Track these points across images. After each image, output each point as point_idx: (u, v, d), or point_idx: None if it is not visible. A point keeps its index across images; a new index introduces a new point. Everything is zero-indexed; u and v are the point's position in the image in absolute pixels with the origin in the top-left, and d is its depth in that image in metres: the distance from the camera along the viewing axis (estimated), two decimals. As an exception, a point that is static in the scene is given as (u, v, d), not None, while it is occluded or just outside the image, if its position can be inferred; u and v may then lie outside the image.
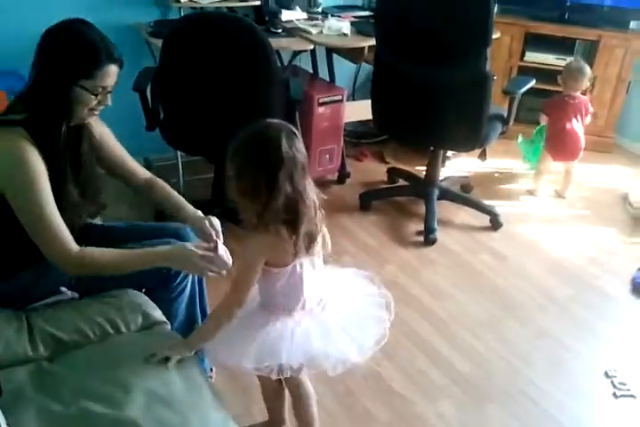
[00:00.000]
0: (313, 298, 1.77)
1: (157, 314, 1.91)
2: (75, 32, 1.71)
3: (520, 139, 4.01)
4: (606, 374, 2.52)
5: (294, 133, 1.61)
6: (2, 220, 1.77)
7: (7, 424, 1.40)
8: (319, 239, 1.71)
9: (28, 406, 1.49)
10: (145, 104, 3.01)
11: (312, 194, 1.63)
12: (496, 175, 4.06)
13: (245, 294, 1.69)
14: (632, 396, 2.43)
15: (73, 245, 1.75)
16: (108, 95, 1.80)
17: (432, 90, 3.12)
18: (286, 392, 2.01)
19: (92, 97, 1.75)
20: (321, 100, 3.52)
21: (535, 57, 4.26)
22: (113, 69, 1.74)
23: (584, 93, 3.79)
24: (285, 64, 3.76)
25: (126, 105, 3.10)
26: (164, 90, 2.96)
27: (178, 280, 2.03)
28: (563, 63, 3.97)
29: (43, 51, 1.72)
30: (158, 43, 3.00)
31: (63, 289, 1.89)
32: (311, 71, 3.87)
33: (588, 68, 3.65)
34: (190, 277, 2.13)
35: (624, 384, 2.47)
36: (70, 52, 1.68)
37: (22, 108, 1.73)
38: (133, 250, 1.84)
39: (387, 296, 1.89)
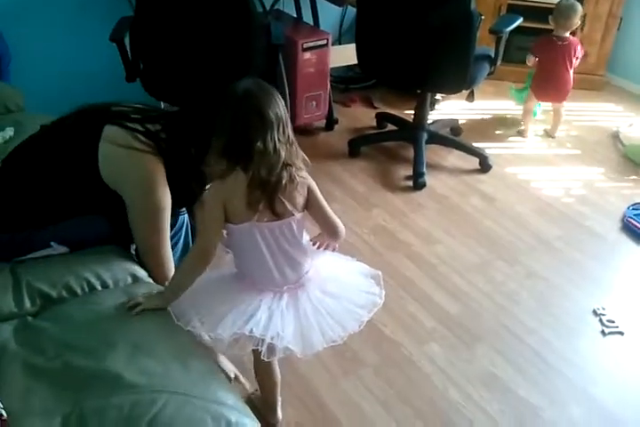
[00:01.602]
0: (285, 275, 1.70)
1: (145, 274, 1.91)
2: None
3: (512, 89, 3.94)
4: (595, 313, 2.54)
5: (264, 89, 1.59)
6: (21, 184, 1.88)
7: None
8: (290, 206, 1.63)
9: (13, 360, 1.50)
10: (124, 55, 2.94)
11: (283, 150, 1.57)
12: (482, 117, 4.02)
13: (209, 242, 1.65)
14: (620, 333, 2.46)
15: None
16: None
17: (417, 31, 3.05)
18: (277, 370, 1.97)
19: None
20: (305, 46, 3.44)
21: (524, -6, 4.14)
22: None
23: (573, 34, 3.72)
24: (268, 9, 3.67)
25: (105, 57, 3.06)
26: (143, 39, 2.90)
27: (172, 233, 2.03)
28: (553, 0, 3.87)
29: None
30: (135, -9, 2.92)
31: (53, 244, 1.88)
32: (295, 15, 3.79)
33: (579, 6, 3.56)
34: (184, 229, 2.14)
35: (612, 322, 2.50)
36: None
37: (165, 136, 1.82)
38: None
39: (380, 297, 1.81)
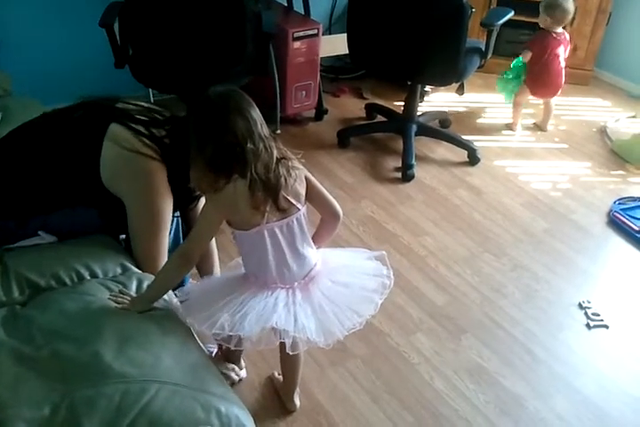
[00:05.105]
0: (293, 272, 1.71)
1: (134, 265, 1.89)
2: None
3: (499, 79, 3.93)
4: (580, 306, 2.56)
5: (235, 90, 1.58)
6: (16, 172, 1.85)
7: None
8: (294, 201, 1.63)
9: (1, 349, 1.48)
10: (113, 41, 2.92)
11: (273, 146, 1.57)
12: (471, 110, 4.02)
13: (196, 249, 1.68)
14: (605, 326, 2.48)
15: None
16: None
17: (408, 22, 3.04)
18: (301, 361, 1.98)
19: None
20: (296, 35, 3.42)
21: (515, -13, 4.13)
22: None
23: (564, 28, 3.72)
24: (258, -3, 3.65)
25: (94, 42, 3.03)
26: (132, 25, 2.87)
27: None
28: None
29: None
30: (125, -25, 2.89)
31: (41, 233, 1.86)
32: (285, 4, 3.76)
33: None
34: (175, 221, 2.13)
35: (597, 315, 2.52)
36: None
37: (169, 142, 1.82)
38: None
39: (388, 277, 1.83)
